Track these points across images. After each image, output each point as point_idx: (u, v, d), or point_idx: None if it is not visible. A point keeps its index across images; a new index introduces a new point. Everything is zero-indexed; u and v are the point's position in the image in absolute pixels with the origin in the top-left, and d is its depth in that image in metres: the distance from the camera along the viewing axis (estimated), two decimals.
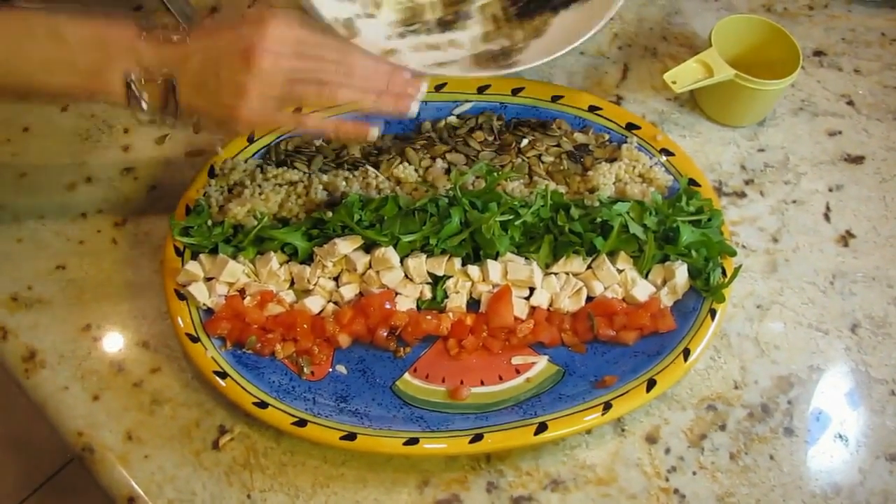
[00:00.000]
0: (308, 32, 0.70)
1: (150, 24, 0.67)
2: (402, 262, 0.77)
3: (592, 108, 0.89)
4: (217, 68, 0.67)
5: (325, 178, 0.82)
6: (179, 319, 0.75)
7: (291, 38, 0.68)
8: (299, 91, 0.69)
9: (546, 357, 0.75)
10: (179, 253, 0.78)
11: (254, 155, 0.85)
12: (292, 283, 0.78)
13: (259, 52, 0.66)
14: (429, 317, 0.75)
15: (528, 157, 0.85)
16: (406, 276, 0.77)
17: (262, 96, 0.67)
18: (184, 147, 0.90)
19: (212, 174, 0.83)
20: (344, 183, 0.82)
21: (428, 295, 0.77)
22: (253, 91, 0.67)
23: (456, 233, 0.77)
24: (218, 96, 0.67)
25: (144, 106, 0.67)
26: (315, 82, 0.70)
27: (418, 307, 0.77)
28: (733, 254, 0.79)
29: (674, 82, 0.88)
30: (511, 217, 0.77)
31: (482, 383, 0.74)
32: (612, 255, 0.78)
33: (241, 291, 0.76)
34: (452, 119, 0.88)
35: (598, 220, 0.78)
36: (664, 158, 0.86)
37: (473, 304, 0.77)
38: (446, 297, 0.77)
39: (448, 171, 0.83)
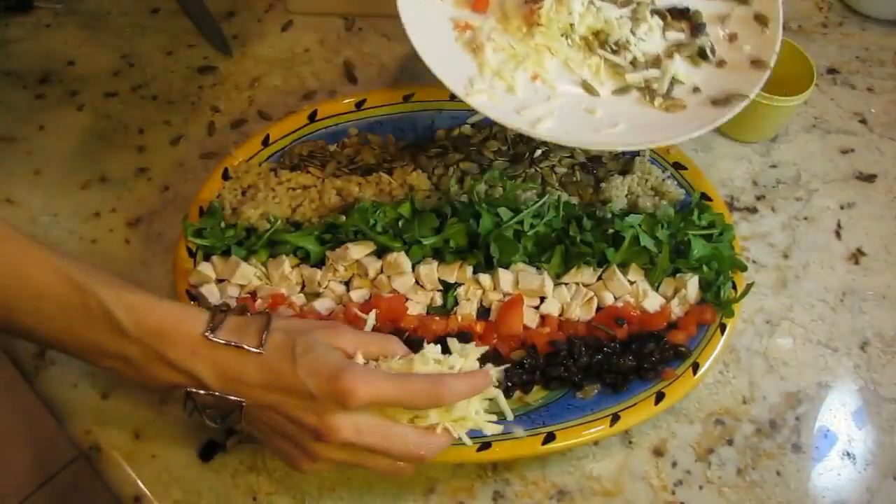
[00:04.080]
0: (394, 384, 0.60)
1: (218, 323, 0.60)
2: (413, 268, 0.77)
3: None
4: (284, 421, 0.61)
5: (338, 182, 0.82)
6: None
7: (375, 401, 0.59)
8: (368, 466, 0.63)
9: None
10: (192, 254, 0.78)
11: (268, 158, 0.85)
12: (303, 287, 0.78)
13: (329, 432, 0.59)
14: (437, 318, 0.75)
15: (541, 168, 0.85)
16: (417, 282, 0.77)
17: (327, 462, 0.62)
18: (198, 149, 0.90)
19: (226, 176, 0.83)
20: (357, 188, 0.82)
21: (438, 302, 0.77)
22: (319, 456, 0.62)
23: (472, 234, 0.77)
24: (281, 442, 0.62)
25: (200, 407, 0.61)
26: (385, 459, 0.62)
27: (428, 314, 0.77)
28: (744, 268, 0.79)
29: None
30: (529, 221, 0.77)
31: None
32: (623, 266, 0.78)
33: (253, 294, 0.76)
34: (466, 128, 0.89)
35: (610, 231, 0.78)
36: (676, 172, 0.86)
37: (483, 312, 0.77)
38: (456, 304, 0.77)
39: (461, 180, 0.83)
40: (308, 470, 0.63)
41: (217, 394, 0.60)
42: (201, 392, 0.60)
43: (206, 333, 0.60)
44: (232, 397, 0.60)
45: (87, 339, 0.59)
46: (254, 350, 0.60)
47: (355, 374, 0.58)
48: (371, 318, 0.72)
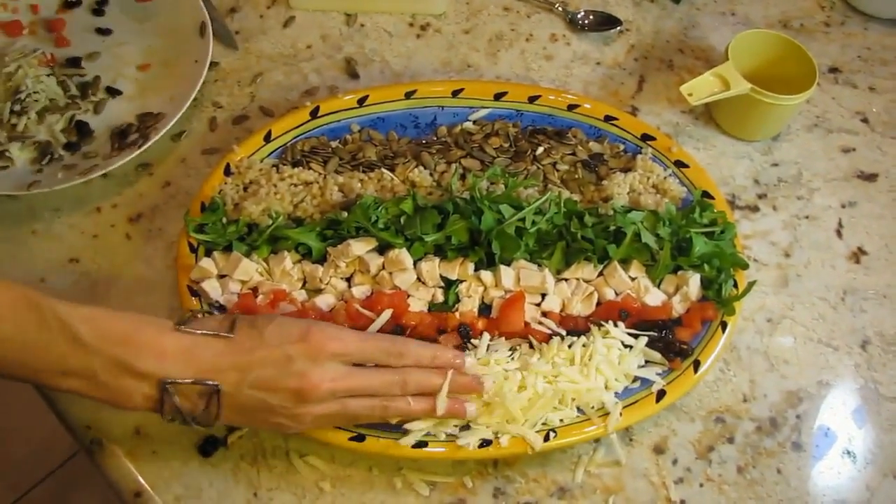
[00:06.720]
0: (358, 337, 0.67)
1: (186, 324, 0.63)
2: (415, 265, 0.77)
3: (608, 118, 0.89)
4: (265, 394, 0.63)
5: (340, 179, 0.82)
6: None
7: (343, 353, 0.65)
8: (352, 410, 0.66)
9: None
10: (193, 249, 0.78)
11: (270, 154, 0.85)
12: (304, 283, 0.78)
13: (313, 389, 0.63)
14: (439, 314, 0.75)
15: (542, 165, 0.85)
16: (419, 279, 0.77)
17: (314, 420, 0.65)
18: (200, 145, 0.90)
19: (227, 172, 0.83)
20: (359, 185, 0.82)
21: (440, 298, 0.77)
22: (305, 418, 0.65)
23: (474, 231, 0.77)
24: (266, 417, 0.65)
25: (178, 407, 0.62)
26: (366, 398, 0.66)
27: (430, 311, 0.77)
28: (745, 266, 0.79)
29: (690, 95, 0.88)
30: (531, 218, 0.77)
31: None
32: (625, 263, 0.78)
33: (254, 290, 0.76)
34: (469, 125, 0.89)
35: (611, 228, 0.78)
36: (678, 170, 0.86)
37: (485, 309, 0.77)
38: (458, 301, 0.77)
39: (463, 177, 0.83)
40: (299, 432, 0.67)
41: (193, 381, 0.62)
42: (178, 382, 0.61)
43: (178, 326, 0.63)
44: (209, 382, 0.62)
45: (47, 358, 0.60)
46: (225, 335, 0.63)
47: (322, 328, 0.66)
48: (384, 317, 0.73)
